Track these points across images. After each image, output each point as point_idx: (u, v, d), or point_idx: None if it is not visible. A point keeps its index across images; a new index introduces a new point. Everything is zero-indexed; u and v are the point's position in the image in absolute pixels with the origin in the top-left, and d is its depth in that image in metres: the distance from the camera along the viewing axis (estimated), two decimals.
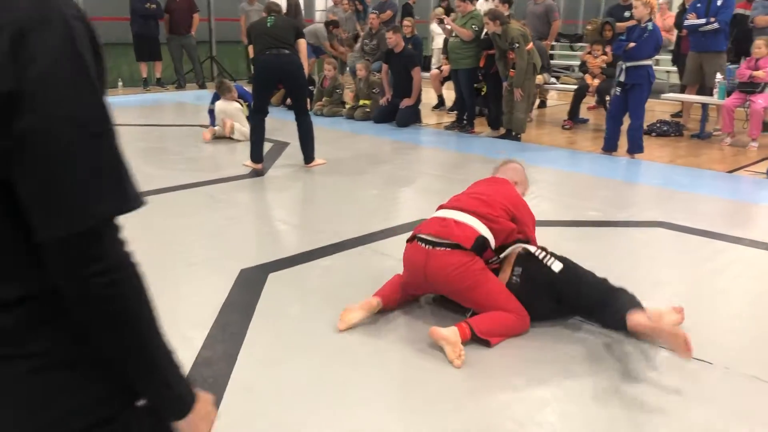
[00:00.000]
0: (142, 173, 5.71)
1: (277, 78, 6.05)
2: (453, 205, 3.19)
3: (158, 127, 7.44)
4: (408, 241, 3.16)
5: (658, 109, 9.45)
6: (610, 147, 6.98)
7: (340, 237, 4.18)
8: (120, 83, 11.63)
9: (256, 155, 6.00)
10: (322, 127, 7.92)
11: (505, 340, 2.89)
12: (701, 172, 6.29)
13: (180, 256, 3.84)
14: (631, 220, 4.73)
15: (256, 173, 5.88)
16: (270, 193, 5.42)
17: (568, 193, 5.47)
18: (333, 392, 2.54)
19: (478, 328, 2.81)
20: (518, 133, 7.71)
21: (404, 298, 3.19)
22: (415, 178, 5.99)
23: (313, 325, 3.05)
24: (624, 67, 6.63)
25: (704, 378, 2.66)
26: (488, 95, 8.20)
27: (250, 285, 3.47)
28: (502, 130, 7.85)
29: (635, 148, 6.79)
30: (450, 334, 2.75)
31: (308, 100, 6.41)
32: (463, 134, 8.10)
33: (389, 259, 3.75)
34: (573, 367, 2.73)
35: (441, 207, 3.25)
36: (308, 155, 6.16)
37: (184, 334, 2.93)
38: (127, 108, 7.84)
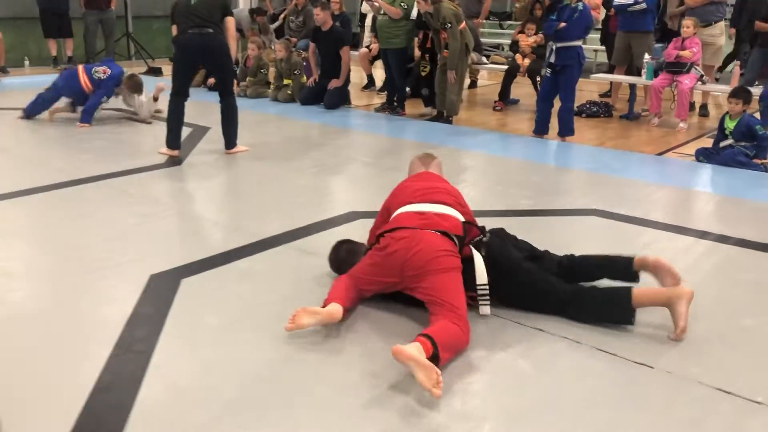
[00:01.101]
0: (40, 164, 5.26)
1: (200, 59, 5.66)
2: (425, 199, 3.04)
3: (66, 113, 6.88)
4: (380, 236, 2.94)
5: (586, 89, 9.45)
6: (541, 130, 6.88)
7: (264, 234, 3.89)
8: (27, 62, 10.85)
9: (173, 141, 5.61)
10: (246, 111, 7.49)
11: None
12: (631, 156, 6.25)
13: (80, 262, 3.46)
14: (564, 208, 4.61)
15: (173, 161, 5.49)
16: (187, 184, 5.06)
17: (499, 180, 5.31)
18: (256, 418, 2.28)
19: (439, 340, 2.47)
20: (450, 116, 7.52)
21: (355, 301, 2.98)
22: (346, 165, 5.71)
23: (232, 338, 2.78)
24: (554, 48, 6.51)
25: (644, 381, 2.53)
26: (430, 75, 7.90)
27: (160, 293, 3.14)
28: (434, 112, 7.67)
29: (566, 130, 6.71)
30: (416, 352, 2.35)
31: (234, 81, 6.03)
32: (393, 117, 7.86)
33: (316, 258, 3.49)
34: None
35: (404, 203, 3.06)
36: (230, 141, 5.81)
37: (84, 352, 2.60)
38: (34, 89, 7.23)
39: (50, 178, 4.83)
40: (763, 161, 5.82)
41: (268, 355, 2.65)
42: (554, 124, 6.81)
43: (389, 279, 2.87)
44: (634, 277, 3.08)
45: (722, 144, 6.01)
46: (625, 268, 3.14)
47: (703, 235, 4.08)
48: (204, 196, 4.84)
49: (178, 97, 5.57)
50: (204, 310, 3.00)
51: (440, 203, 3.05)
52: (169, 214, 4.29)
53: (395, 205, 3.12)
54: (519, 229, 3.33)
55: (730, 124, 6.00)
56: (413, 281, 2.80)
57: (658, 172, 5.78)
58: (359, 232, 4.02)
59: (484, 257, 2.94)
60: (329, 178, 5.35)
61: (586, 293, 2.98)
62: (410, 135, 6.94)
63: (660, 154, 6.42)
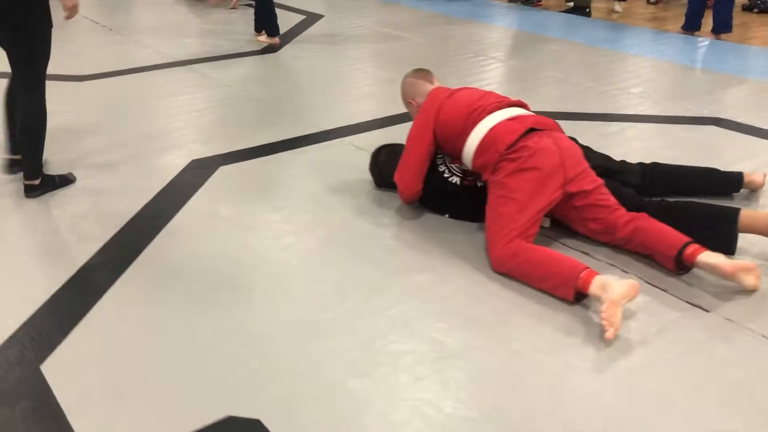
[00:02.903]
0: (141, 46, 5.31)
1: None
2: (504, 104, 2.60)
3: None
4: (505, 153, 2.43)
5: None
6: (691, 25, 5.89)
7: (322, 127, 3.67)
8: None
9: (271, 29, 5.43)
10: None
11: None
12: None
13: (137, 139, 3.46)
14: (680, 115, 3.90)
15: (271, 48, 5.33)
16: (272, 72, 4.86)
17: (617, 80, 4.59)
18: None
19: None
20: (586, 7, 6.68)
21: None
22: (461, 62, 5.11)
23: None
24: None
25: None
26: None
27: (189, 179, 3.06)
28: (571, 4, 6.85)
29: (722, 26, 5.70)
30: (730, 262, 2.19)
31: None
32: (527, 8, 7.13)
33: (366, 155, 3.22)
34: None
35: (481, 115, 2.55)
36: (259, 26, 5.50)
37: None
38: None
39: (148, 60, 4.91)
40: None
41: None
42: (708, 21, 5.80)
43: (553, 194, 2.37)
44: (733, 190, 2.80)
45: None
46: (726, 181, 2.79)
47: None
48: (281, 85, 4.63)
49: None
50: (223, 200, 2.88)
51: (519, 106, 2.63)
52: (236, 101, 4.15)
53: (461, 122, 2.55)
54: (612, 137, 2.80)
55: None
56: (578, 184, 2.39)
57: None
58: None
59: None
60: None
61: (676, 208, 2.50)
62: (549, 29, 6.20)
63: None
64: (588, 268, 2.14)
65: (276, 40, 5.41)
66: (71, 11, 2.70)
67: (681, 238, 2.27)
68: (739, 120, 3.76)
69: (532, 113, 2.63)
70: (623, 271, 2.35)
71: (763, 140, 3.51)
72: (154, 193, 2.89)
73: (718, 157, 3.21)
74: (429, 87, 2.80)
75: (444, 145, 2.68)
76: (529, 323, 2.08)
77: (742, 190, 2.82)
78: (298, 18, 6.28)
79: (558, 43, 5.58)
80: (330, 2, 6.89)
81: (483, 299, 2.20)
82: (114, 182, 2.99)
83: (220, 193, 2.92)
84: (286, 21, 5.78)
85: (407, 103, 2.89)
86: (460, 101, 2.65)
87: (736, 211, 2.41)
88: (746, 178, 2.80)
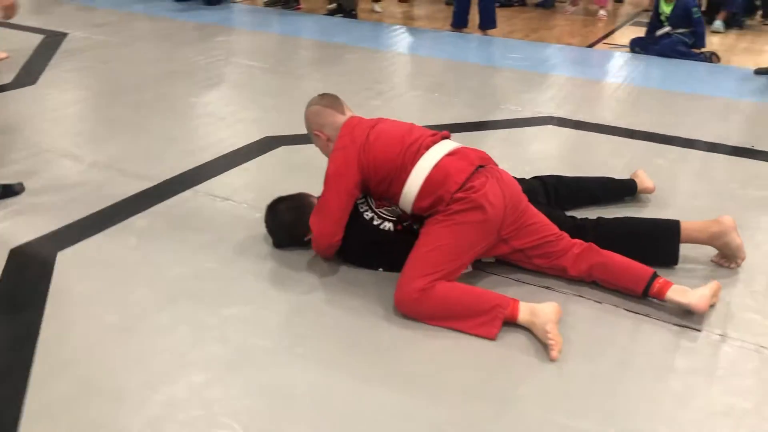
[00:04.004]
0: None
1: None
2: (437, 139, 2.29)
3: None
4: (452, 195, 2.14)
5: None
6: (460, 22, 6.09)
7: (160, 177, 2.97)
8: None
9: None
10: (107, 7, 6.25)
11: None
12: (565, 50, 5.64)
13: None
14: (516, 117, 3.93)
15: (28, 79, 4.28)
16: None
17: (430, 87, 4.52)
18: None
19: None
20: (352, 9, 6.56)
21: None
22: (238, 74, 4.68)
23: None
24: None
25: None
26: None
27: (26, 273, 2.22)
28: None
29: (489, 22, 5.97)
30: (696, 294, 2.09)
31: None
32: (286, 12, 6.79)
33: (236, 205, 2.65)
34: None
35: (423, 146, 2.22)
36: None
37: None
38: None
39: None
40: (703, 50, 5.38)
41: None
42: (474, 17, 6.04)
43: (487, 241, 2.19)
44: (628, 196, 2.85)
45: (659, 33, 5.49)
46: (622, 188, 2.85)
47: (689, 143, 3.54)
48: (58, 121, 3.75)
49: None
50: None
51: (447, 138, 2.33)
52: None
53: (397, 159, 2.20)
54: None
55: (666, 8, 5.47)
56: (520, 228, 2.22)
57: (599, 66, 5.22)
58: (284, 165, 3.20)
59: None
60: (222, 92, 4.35)
61: (617, 227, 2.39)
62: (309, 33, 5.95)
63: (591, 46, 5.85)
64: (508, 297, 2.05)
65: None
66: (7, 11, 2.59)
67: (643, 271, 2.16)
68: (568, 117, 3.90)
69: (463, 146, 2.33)
70: (597, 302, 2.20)
71: (598, 135, 3.67)
72: None
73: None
74: (340, 118, 2.36)
75: (375, 186, 2.27)
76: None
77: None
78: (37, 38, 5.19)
79: (347, 49, 5.35)
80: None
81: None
82: None
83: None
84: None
85: (314, 135, 2.40)
86: (389, 135, 2.26)
87: (677, 223, 2.38)
88: (639, 186, 2.85)
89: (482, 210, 2.11)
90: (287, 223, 2.40)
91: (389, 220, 2.32)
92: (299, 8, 6.91)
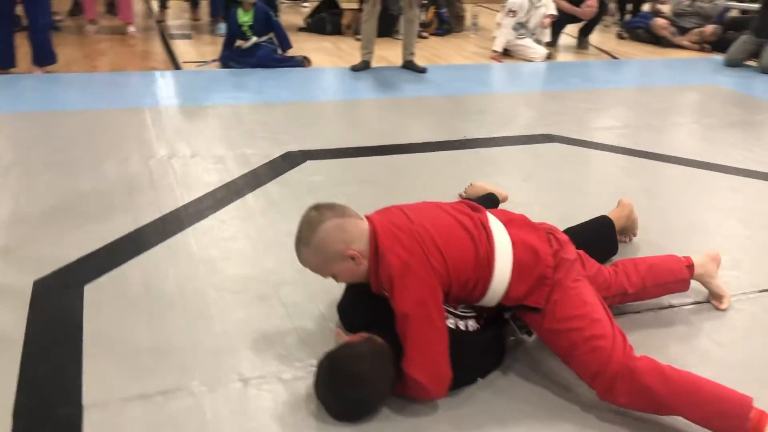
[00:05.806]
0: None
1: None
2: (475, 207, 1.94)
3: None
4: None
5: None
6: (4, 63, 4.55)
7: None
8: None
9: None
10: None
11: None
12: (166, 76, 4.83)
13: None
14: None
15: None
16: None
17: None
18: None
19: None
20: None
21: None
22: None
23: None
24: None
25: None
26: None
27: None
28: None
29: (46, 56, 4.64)
30: None
31: None
32: None
33: None
34: None
35: (486, 227, 1.82)
36: None
37: None
38: None
39: None
40: (294, 56, 5.33)
41: None
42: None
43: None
44: None
45: (246, 44, 5.15)
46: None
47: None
48: None
49: None
50: None
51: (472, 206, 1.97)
52: None
53: (471, 253, 1.74)
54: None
55: (245, 17, 5.15)
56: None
57: (203, 89, 4.58)
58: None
59: None
60: None
61: (575, 235, 2.21)
62: None
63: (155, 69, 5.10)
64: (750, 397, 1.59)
65: None
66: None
67: (673, 260, 2.18)
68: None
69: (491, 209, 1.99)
70: None
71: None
72: None
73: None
74: (362, 224, 1.74)
75: (457, 291, 1.75)
76: None
77: None
78: None
79: None
80: None
81: None
82: None
83: None
84: None
85: (345, 257, 1.71)
86: (439, 226, 1.77)
87: (608, 218, 2.46)
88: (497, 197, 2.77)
89: (579, 261, 1.90)
90: (371, 381, 1.65)
91: (469, 317, 1.85)
92: None
